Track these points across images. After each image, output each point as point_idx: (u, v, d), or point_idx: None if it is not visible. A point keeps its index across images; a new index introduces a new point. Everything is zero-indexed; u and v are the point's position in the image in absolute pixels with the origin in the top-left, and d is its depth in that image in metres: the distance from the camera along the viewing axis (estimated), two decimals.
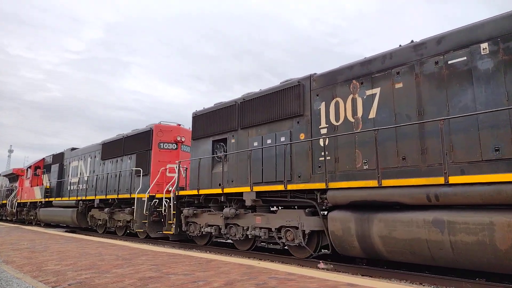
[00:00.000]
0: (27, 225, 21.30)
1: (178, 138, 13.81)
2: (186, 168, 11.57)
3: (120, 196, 14.10)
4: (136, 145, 14.21)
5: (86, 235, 14.46)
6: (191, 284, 4.55)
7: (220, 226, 9.82)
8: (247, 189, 8.93)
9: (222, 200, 9.71)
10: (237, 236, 9.35)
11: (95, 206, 15.54)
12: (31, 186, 21.50)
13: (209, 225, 10.15)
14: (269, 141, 9.05)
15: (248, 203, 8.90)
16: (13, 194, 24.07)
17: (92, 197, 15.71)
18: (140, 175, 13.19)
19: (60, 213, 17.64)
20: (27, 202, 22.03)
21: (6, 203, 25.40)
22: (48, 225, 20.61)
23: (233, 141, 10.13)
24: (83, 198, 16.40)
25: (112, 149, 15.62)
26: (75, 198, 16.84)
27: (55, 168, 19.68)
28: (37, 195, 20.35)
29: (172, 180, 11.98)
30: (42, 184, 20.60)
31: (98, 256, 7.29)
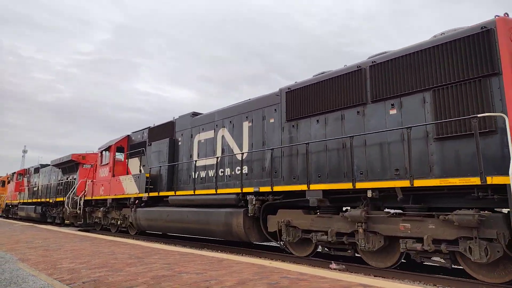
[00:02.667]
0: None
1: None
2: None
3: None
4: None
5: (98, 234, 14.59)
6: (204, 282, 4.57)
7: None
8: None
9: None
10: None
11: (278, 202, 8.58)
12: (113, 176, 14.93)
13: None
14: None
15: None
16: (73, 189, 18.22)
17: (285, 188, 8.34)
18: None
19: (195, 216, 10.40)
20: (106, 199, 15.07)
21: (62, 202, 19.09)
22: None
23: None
24: (251, 189, 9.04)
25: (326, 95, 8.10)
26: (234, 190, 9.53)
27: (159, 147, 13.06)
28: (130, 188, 13.50)
29: None
30: (130, 173, 14.57)
31: (111, 254, 7.37)
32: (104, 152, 16.10)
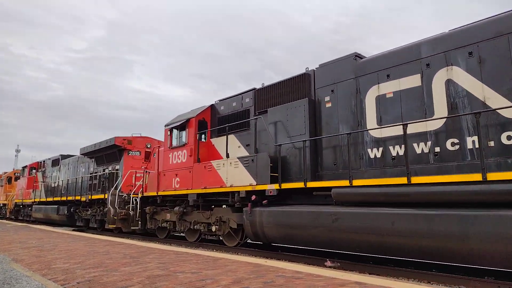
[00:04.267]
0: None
1: None
2: None
3: None
4: None
5: (93, 233, 14.53)
6: (199, 282, 4.56)
7: None
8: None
9: None
10: None
11: None
12: (197, 162, 10.52)
13: None
14: None
15: None
16: (117, 185, 14.36)
17: None
18: None
19: (422, 224, 5.90)
20: (179, 195, 11.20)
21: (100, 200, 15.39)
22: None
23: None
24: None
25: None
26: None
27: (282, 114, 8.99)
28: (235, 177, 9.31)
29: None
30: (220, 156, 10.30)
31: (106, 254, 7.34)
32: (175, 131, 11.74)
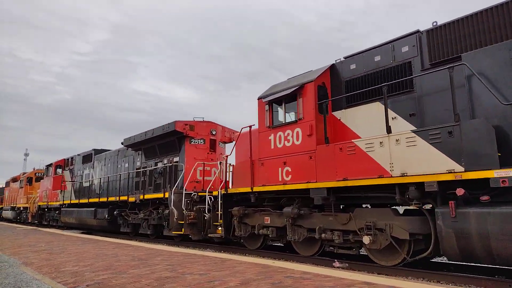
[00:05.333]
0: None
1: None
2: None
3: None
4: None
5: (102, 236, 14.58)
6: (207, 283, 4.57)
7: None
8: None
9: None
10: None
11: None
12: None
13: None
14: None
15: None
16: (180, 181, 11.95)
17: None
18: None
19: None
20: (304, 191, 7.80)
21: (154, 200, 12.69)
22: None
23: None
24: None
25: None
26: None
27: None
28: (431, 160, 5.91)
29: None
30: (357, 134, 7.47)
31: (115, 257, 7.38)
32: (277, 104, 8.71)
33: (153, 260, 6.80)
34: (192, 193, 11.30)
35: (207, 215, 10.38)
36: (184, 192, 11.33)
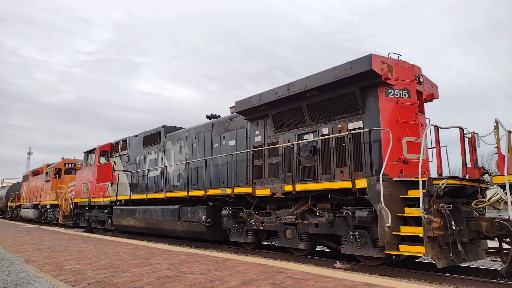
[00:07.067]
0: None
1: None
2: None
3: None
4: None
5: (104, 234, 14.58)
6: (208, 283, 4.57)
7: None
8: None
9: None
10: None
11: None
12: None
13: None
14: None
15: None
16: (378, 156, 7.08)
17: None
18: None
19: None
20: None
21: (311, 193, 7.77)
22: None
23: None
24: None
25: None
26: None
27: None
28: None
29: None
30: None
31: (116, 255, 7.39)
32: None
33: (155, 259, 6.81)
34: (437, 183, 6.01)
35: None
36: (399, 180, 6.66)
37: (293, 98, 8.51)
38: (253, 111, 9.59)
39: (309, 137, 8.39)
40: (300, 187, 7.96)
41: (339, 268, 6.90)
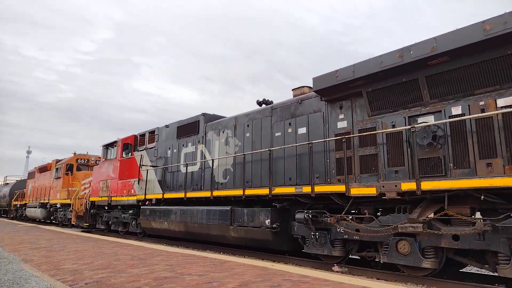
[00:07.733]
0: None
1: None
2: None
3: None
4: None
5: (102, 235, 14.55)
6: (206, 284, 4.56)
7: None
8: None
9: None
10: None
11: None
12: None
13: None
14: None
15: None
16: None
17: None
18: None
19: None
20: None
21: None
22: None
23: None
24: None
25: None
26: None
27: None
28: None
29: None
30: None
31: (114, 256, 7.38)
32: None
33: (152, 260, 6.80)
34: None
35: None
36: None
37: (405, 68, 6.44)
38: (338, 89, 7.48)
39: (428, 120, 6.32)
40: (428, 185, 5.82)
41: (337, 272, 6.89)
